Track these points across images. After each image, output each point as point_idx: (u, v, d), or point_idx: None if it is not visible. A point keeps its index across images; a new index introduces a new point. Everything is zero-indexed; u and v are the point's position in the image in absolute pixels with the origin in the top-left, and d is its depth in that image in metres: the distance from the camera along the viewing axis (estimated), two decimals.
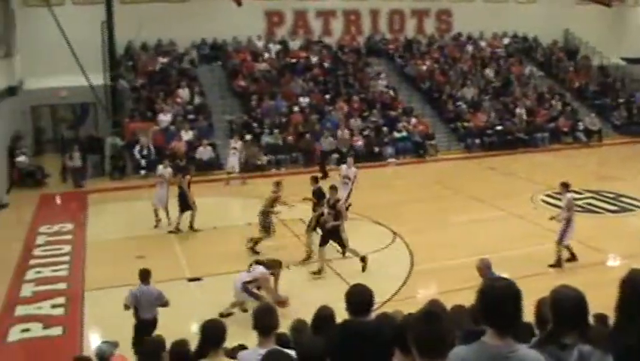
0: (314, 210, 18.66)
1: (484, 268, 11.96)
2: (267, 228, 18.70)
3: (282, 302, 14.16)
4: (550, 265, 17.15)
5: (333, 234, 17.31)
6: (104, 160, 29.88)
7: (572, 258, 17.52)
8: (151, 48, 36.47)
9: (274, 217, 18.97)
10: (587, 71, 43.14)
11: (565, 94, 40.23)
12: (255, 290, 14.30)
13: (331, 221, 17.22)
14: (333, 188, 18.08)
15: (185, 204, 21.11)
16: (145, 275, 12.65)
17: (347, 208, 19.25)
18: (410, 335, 4.31)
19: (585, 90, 41.36)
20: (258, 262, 14.99)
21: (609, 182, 27.23)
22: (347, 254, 17.50)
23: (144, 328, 12.10)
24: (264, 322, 6.41)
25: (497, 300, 3.97)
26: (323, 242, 17.32)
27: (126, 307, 12.39)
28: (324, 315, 6.90)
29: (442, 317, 4.37)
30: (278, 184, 19.33)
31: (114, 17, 31.29)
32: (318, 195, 18.82)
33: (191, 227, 21.21)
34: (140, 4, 34.77)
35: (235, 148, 28.00)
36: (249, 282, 14.37)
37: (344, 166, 22.35)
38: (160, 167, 22.41)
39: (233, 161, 27.85)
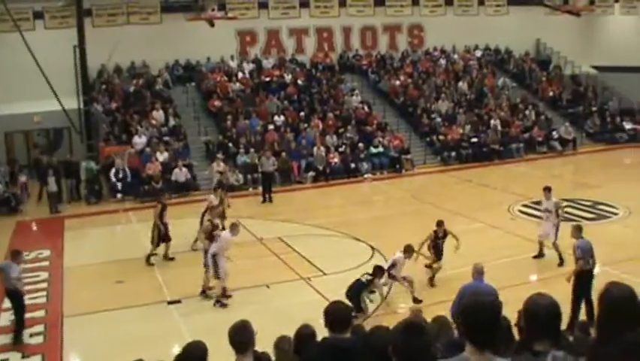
0: None
1: (475, 273, 12.17)
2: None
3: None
4: (559, 265, 18.03)
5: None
6: (79, 185, 29.68)
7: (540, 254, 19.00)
8: (124, 71, 36.41)
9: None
10: (560, 81, 43.44)
11: (538, 104, 40.48)
12: (397, 275, 15.97)
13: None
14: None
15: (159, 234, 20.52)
16: (14, 254, 15.02)
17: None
18: (391, 347, 4.29)
19: (558, 99, 41.66)
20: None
21: (585, 190, 27.37)
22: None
23: (8, 295, 14.93)
24: (239, 338, 6.35)
25: (477, 318, 3.96)
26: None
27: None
28: (304, 334, 6.85)
29: (422, 328, 4.35)
30: (440, 224, 17.71)
31: (86, 41, 31.16)
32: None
33: (165, 256, 20.55)
34: (112, 28, 34.79)
35: (220, 172, 27.84)
36: (391, 267, 16.09)
37: (227, 233, 17.19)
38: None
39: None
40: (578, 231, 15.07)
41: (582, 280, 14.07)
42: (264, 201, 27.94)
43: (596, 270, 15.34)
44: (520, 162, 35.00)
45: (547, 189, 19.33)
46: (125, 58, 35.41)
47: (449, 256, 17.44)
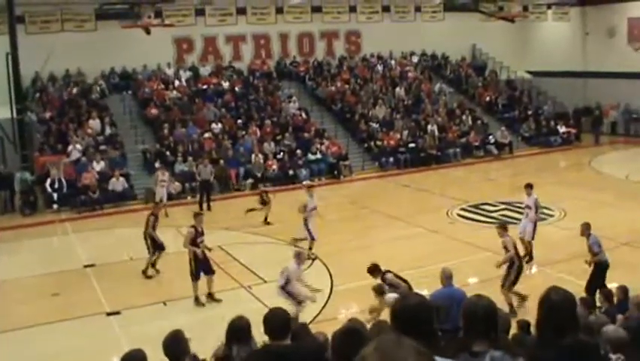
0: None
1: (444, 278, 12.25)
2: None
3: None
4: (527, 261, 18.20)
5: None
6: (13, 196, 29.08)
7: (530, 255, 19.00)
8: (59, 79, 35.81)
9: None
10: (496, 86, 44.06)
11: (475, 109, 40.98)
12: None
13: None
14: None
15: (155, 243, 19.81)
16: None
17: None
18: (331, 352, 4.30)
19: (494, 104, 42.21)
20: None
21: (521, 193, 27.55)
22: None
23: None
24: (173, 348, 6.32)
25: (410, 316, 3.98)
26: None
27: None
28: (238, 326, 6.79)
29: (361, 332, 4.36)
30: None
31: (19, 48, 30.57)
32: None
33: (153, 265, 19.78)
34: (46, 35, 34.19)
35: (164, 181, 27.50)
36: None
37: (292, 265, 15.56)
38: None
39: (161, 192, 27.26)
40: (587, 228, 15.62)
41: (601, 269, 15.16)
42: (201, 209, 27.64)
43: (533, 271, 15.61)
44: (458, 166, 35.37)
45: (529, 186, 19.97)
46: (60, 66, 34.82)
47: (384, 261, 17.44)
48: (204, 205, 27.75)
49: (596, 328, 8.30)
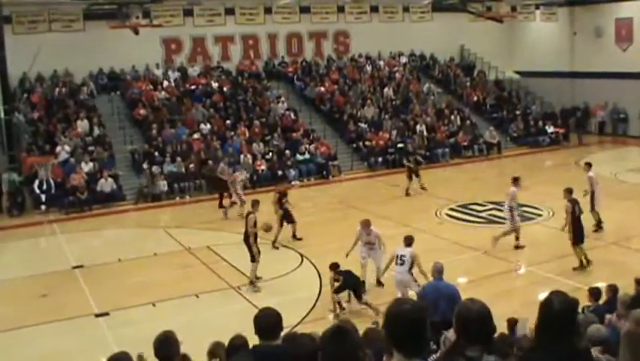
0: None
1: (435, 272, 12.31)
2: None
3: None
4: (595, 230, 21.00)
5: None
6: (1, 197, 28.92)
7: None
8: (47, 79, 35.65)
9: None
10: (484, 86, 44.13)
11: (463, 109, 41.01)
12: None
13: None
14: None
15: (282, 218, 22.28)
16: None
17: None
18: (319, 353, 4.28)
19: (483, 104, 42.31)
20: None
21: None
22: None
23: None
24: (164, 350, 6.31)
25: (402, 325, 3.95)
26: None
27: None
28: (237, 344, 6.80)
29: (350, 333, 4.33)
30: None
31: (6, 48, 30.45)
32: None
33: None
34: (34, 35, 34.00)
35: (243, 180, 27.27)
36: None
37: None
38: None
39: (241, 191, 26.97)
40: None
41: None
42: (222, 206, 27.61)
43: (521, 271, 15.61)
44: (446, 166, 35.37)
45: (588, 164, 22.31)
46: (48, 66, 34.63)
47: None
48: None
49: (584, 327, 8.32)
